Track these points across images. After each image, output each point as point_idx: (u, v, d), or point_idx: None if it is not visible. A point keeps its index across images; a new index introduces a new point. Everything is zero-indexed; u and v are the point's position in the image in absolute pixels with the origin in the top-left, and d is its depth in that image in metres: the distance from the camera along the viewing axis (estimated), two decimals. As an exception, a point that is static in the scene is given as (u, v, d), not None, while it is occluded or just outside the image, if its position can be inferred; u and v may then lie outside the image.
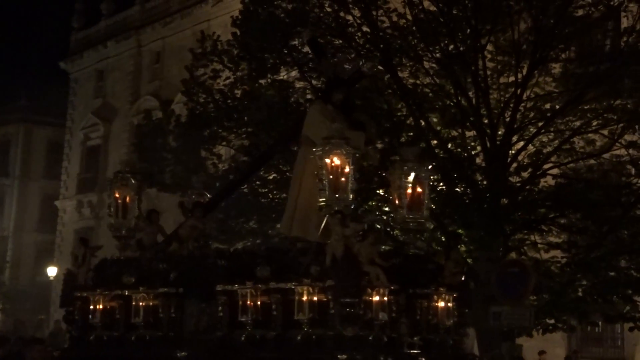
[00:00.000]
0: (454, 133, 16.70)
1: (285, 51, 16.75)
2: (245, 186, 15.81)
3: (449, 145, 16.45)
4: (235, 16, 17.67)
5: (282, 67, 17.17)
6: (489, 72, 16.32)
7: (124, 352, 9.85)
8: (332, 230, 8.79)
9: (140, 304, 9.79)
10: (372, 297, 8.83)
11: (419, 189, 9.79)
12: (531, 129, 16.33)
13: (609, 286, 15.38)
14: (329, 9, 16.49)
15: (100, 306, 10.15)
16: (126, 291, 9.92)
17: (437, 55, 16.38)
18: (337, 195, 8.98)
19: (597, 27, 16.48)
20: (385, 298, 8.88)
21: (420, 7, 16.29)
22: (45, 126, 46.53)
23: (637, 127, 15.68)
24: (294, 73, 17.48)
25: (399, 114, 16.59)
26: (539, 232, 16.22)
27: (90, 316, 10.22)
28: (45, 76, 67.82)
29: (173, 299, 9.67)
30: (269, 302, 8.97)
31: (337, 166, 9.05)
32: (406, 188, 9.71)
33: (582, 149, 16.34)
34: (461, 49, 16.17)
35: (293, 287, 8.81)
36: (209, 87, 17.67)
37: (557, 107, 16.15)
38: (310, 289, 8.72)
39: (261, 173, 16.88)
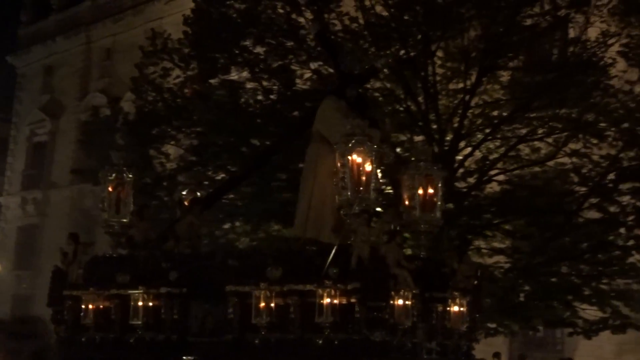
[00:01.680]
0: (403, 137, 16.81)
1: (237, 51, 16.71)
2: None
3: (398, 150, 16.56)
4: (187, 15, 17.57)
5: (233, 67, 17.12)
6: (438, 78, 16.47)
7: (120, 354, 9.41)
8: (356, 231, 8.38)
9: (140, 304, 9.29)
10: (396, 301, 8.49)
11: (430, 190, 9.44)
12: (478, 136, 16.53)
13: (550, 292, 15.65)
14: (281, 11, 16.50)
15: (93, 306, 9.64)
16: (124, 290, 9.41)
17: (389, 59, 16.49)
18: (359, 195, 8.59)
19: (545, 37, 16.76)
20: (409, 302, 8.56)
21: (372, 12, 16.40)
22: (-10, 121, 45.59)
23: (580, 136, 15.96)
24: (245, 73, 17.43)
25: (349, 116, 16.66)
26: (484, 237, 16.43)
27: (82, 316, 9.72)
28: (-8, 70, 66.37)
29: (176, 299, 9.21)
30: (284, 305, 8.55)
31: (359, 164, 8.65)
32: (418, 188, 9.35)
33: (528, 157, 16.60)
34: (412, 54, 16.29)
35: (314, 289, 8.35)
36: (159, 85, 17.54)
37: (504, 114, 16.37)
38: (332, 292, 8.25)
39: (209, 173, 16.82)
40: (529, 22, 16.09)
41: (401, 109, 16.59)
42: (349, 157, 8.67)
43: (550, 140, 16.30)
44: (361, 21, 16.46)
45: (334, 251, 8.43)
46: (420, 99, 16.41)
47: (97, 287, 9.67)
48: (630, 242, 15.60)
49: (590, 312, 16.24)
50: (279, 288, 8.54)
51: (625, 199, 15.70)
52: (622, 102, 15.71)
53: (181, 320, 9.21)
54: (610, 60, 15.81)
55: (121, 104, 22.39)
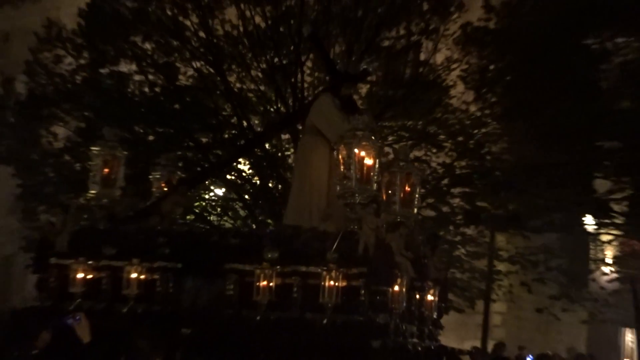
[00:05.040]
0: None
1: (126, 46, 17.96)
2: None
3: (266, 145, 18.44)
4: (82, 8, 18.91)
5: (122, 59, 18.26)
6: (306, 85, 18.09)
7: (109, 325, 9.12)
8: (364, 219, 8.68)
9: (132, 276, 9.41)
10: (395, 287, 8.89)
11: (408, 188, 9.55)
12: (337, 139, 18.45)
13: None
14: (169, 13, 17.94)
15: (82, 275, 9.67)
16: (116, 262, 9.53)
17: (263, 65, 18.20)
18: (362, 185, 8.95)
19: (399, 58, 18.93)
20: (404, 289, 8.98)
21: (252, 22, 18.05)
22: None
23: (423, 145, 17.93)
24: (133, 66, 18.59)
25: (224, 112, 18.30)
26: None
27: (69, 285, 9.73)
28: None
29: (170, 273, 9.37)
30: (285, 285, 8.78)
31: (362, 157, 8.97)
32: (399, 186, 9.45)
33: (375, 160, 18.59)
34: (284, 62, 17.96)
35: (318, 271, 8.59)
36: (51, 70, 18.41)
37: (361, 121, 18.35)
38: (336, 274, 8.52)
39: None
40: (386, 43, 18.15)
41: (272, 109, 18.40)
42: (355, 150, 8.98)
43: (397, 146, 18.43)
44: (241, 29, 18.02)
45: (339, 237, 8.71)
46: (290, 102, 18.21)
47: (86, 257, 9.72)
48: (458, 238, 18.01)
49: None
50: (281, 268, 8.77)
51: (456, 201, 17.84)
52: (459, 119, 17.68)
53: (176, 294, 9.39)
54: (451, 83, 17.83)
55: (15, 84, 23.41)
